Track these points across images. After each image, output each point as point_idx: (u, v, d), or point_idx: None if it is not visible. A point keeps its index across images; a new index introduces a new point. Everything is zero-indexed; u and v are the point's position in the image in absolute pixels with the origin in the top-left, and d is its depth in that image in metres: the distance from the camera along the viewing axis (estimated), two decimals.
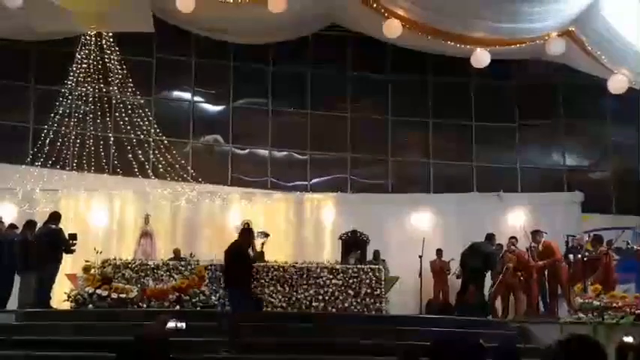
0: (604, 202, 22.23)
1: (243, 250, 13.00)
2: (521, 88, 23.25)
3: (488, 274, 17.18)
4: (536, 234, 17.19)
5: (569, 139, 23.89)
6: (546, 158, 24.16)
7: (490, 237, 17.40)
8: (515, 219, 20.96)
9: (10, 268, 15.75)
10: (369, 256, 19.00)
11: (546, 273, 17.09)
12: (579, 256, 16.29)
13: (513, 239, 17.47)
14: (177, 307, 14.96)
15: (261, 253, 13.13)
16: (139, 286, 15.64)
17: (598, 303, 14.08)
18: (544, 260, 16.74)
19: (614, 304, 13.94)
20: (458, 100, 23.78)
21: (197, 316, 14.05)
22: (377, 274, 16.38)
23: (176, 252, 18.71)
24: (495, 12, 17.37)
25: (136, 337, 5.87)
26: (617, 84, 18.46)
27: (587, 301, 14.41)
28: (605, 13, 17.04)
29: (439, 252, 19.76)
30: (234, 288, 12.88)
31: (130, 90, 20.63)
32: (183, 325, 11.12)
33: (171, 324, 10.59)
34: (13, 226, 16.82)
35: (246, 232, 13.55)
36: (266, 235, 17.17)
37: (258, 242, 13.01)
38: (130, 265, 16.31)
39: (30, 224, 16.31)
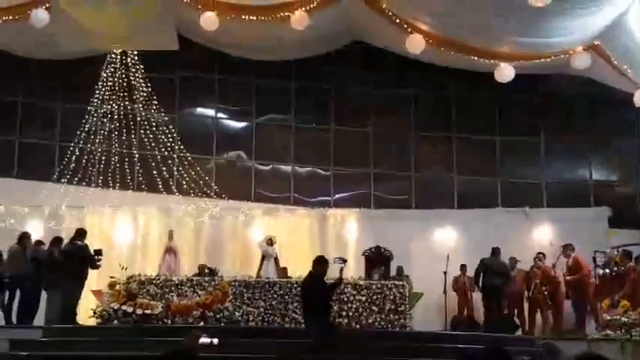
0: (631, 218, 21.99)
1: (317, 283, 12.66)
2: (546, 102, 23.10)
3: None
4: (566, 248, 17.07)
5: (595, 154, 23.69)
6: (572, 173, 23.95)
7: (497, 251, 17.78)
8: (540, 235, 20.83)
9: (38, 284, 15.85)
10: (393, 272, 18.95)
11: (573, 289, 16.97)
12: (607, 271, 16.14)
13: (540, 255, 17.38)
14: (202, 322, 14.97)
15: (340, 280, 12.88)
16: (163, 302, 15.68)
17: (626, 319, 13.93)
18: (572, 275, 16.62)
19: None
20: (482, 114, 23.68)
21: (226, 333, 14.01)
22: (401, 290, 16.36)
23: (201, 268, 18.72)
24: (520, 27, 17.31)
25: (165, 352, 5.89)
26: None
27: (615, 317, 14.26)
28: (631, 26, 16.93)
29: (463, 268, 19.64)
30: (313, 321, 12.58)
31: (154, 107, 20.80)
32: (216, 340, 11.17)
33: (204, 339, 10.63)
34: (39, 243, 16.92)
35: (317, 263, 13.12)
36: (344, 260, 17.11)
37: (336, 268, 12.89)
38: (154, 281, 16.39)
39: (56, 241, 16.40)
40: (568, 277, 16.70)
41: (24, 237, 16.52)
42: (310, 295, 12.48)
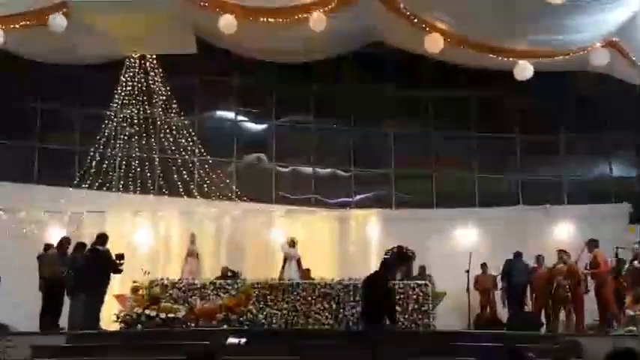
0: None
1: (383, 284, 12.62)
2: (565, 99, 23.00)
3: None
4: (590, 243, 16.98)
5: (615, 150, 23.63)
6: (593, 170, 23.90)
7: (519, 255, 18.23)
8: (561, 232, 20.78)
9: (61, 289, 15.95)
10: (415, 272, 18.92)
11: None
12: (635, 264, 16.04)
13: (562, 251, 17.32)
14: (225, 325, 15.00)
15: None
16: (186, 305, 15.72)
17: None
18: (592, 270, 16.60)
19: None
20: (501, 113, 23.64)
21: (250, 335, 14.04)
22: (424, 290, 16.33)
23: (223, 270, 18.75)
24: (538, 24, 17.24)
25: (188, 354, 5.92)
26: None
27: (637, 312, 14.18)
28: None
29: (484, 266, 19.62)
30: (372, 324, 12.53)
31: (174, 111, 20.84)
32: (244, 341, 11.24)
33: (232, 340, 10.71)
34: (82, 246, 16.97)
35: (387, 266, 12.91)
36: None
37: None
38: (177, 285, 16.44)
39: (79, 246, 16.48)
40: (585, 271, 16.65)
41: (64, 242, 16.58)
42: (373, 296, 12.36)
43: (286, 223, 21.56)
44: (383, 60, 22.82)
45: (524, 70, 18.11)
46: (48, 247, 17.15)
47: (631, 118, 22.71)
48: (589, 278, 16.88)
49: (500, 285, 19.02)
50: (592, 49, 18.10)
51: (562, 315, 17.19)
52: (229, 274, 18.27)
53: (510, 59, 18.40)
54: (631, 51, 17.99)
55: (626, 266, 16.45)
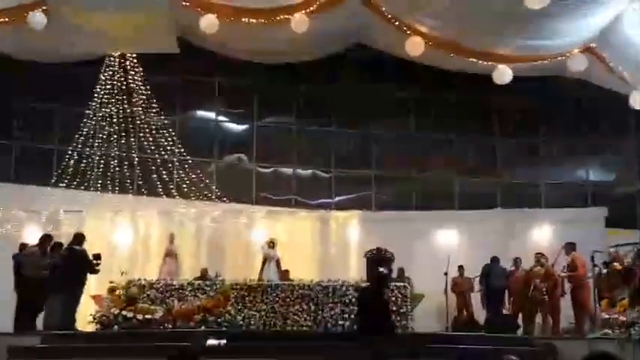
0: (629, 218, 22.06)
1: (380, 297, 12.58)
2: (544, 104, 23.16)
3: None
4: (567, 246, 17.05)
5: (593, 155, 23.82)
6: (570, 174, 24.12)
7: (495, 259, 18.26)
8: (539, 235, 20.87)
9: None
10: (394, 274, 18.94)
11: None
12: (605, 271, 16.15)
13: (539, 255, 17.39)
14: (203, 327, 14.96)
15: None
16: (164, 306, 15.66)
17: (624, 318, 13.92)
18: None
19: None
20: (482, 116, 23.76)
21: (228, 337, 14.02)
22: (402, 292, 16.33)
23: (203, 271, 18.70)
24: (518, 29, 17.33)
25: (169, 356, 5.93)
26: (639, 99, 18.34)
27: (613, 316, 14.27)
28: (627, 28, 16.95)
29: (461, 269, 19.69)
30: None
31: (154, 110, 20.78)
32: (224, 342, 11.22)
33: (211, 341, 10.70)
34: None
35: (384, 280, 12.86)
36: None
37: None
38: (154, 286, 16.36)
39: (56, 246, 16.35)
40: (562, 274, 16.73)
41: (46, 240, 16.40)
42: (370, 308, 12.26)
43: (267, 224, 21.54)
44: (365, 62, 22.86)
45: (503, 74, 18.21)
46: (24, 246, 16.98)
47: (608, 124, 22.93)
48: (566, 281, 16.95)
49: (477, 288, 19.11)
50: (570, 54, 18.21)
51: (538, 318, 17.26)
52: (209, 275, 18.18)
53: (490, 63, 18.49)
54: (609, 57, 18.10)
55: (604, 270, 16.56)
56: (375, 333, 12.03)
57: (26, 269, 15.90)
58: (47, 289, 15.45)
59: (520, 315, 17.69)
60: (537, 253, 17.44)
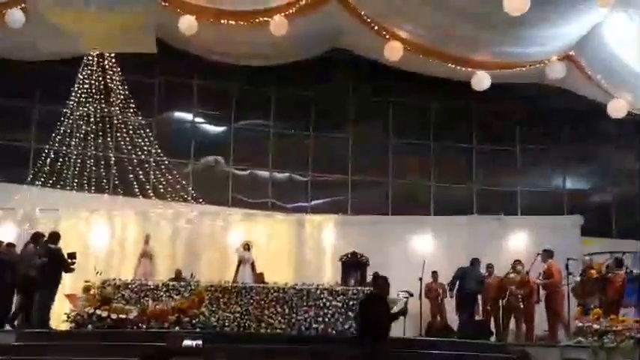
0: (604, 226, 22.25)
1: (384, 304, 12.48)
2: (522, 111, 23.33)
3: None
4: (544, 254, 17.12)
5: (569, 163, 24.00)
6: (547, 181, 24.28)
7: (476, 262, 17.92)
8: (515, 242, 20.94)
9: (10, 288, 15.69)
10: (369, 279, 18.94)
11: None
12: (579, 279, 16.26)
13: (517, 262, 17.47)
14: (177, 327, 14.90)
15: (406, 310, 12.65)
16: (138, 306, 15.60)
17: (597, 326, 14.03)
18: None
19: (614, 328, 13.88)
20: (459, 122, 23.88)
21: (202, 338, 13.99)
22: None
23: (177, 273, 18.64)
24: (498, 36, 17.44)
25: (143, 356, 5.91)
26: (617, 108, 18.51)
27: (586, 324, 14.37)
28: (605, 37, 17.12)
29: (434, 274, 19.70)
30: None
31: (131, 110, 20.72)
32: (200, 343, 11.17)
33: (187, 342, 10.65)
34: (11, 245, 16.73)
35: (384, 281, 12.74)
36: (410, 294, 17.04)
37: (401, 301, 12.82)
38: (129, 286, 16.29)
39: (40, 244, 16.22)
40: (538, 281, 16.81)
41: (40, 237, 16.20)
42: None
43: (242, 227, 21.46)
44: (343, 66, 22.91)
45: (482, 80, 18.33)
46: (10, 245, 16.84)
47: (586, 132, 23.11)
48: (540, 288, 17.04)
49: (447, 290, 19.01)
50: (549, 62, 18.35)
51: (511, 324, 17.35)
52: (183, 277, 18.13)
53: (469, 69, 18.59)
54: (587, 65, 18.26)
55: (577, 278, 16.66)
56: (375, 338, 11.91)
57: (21, 268, 15.73)
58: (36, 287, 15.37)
59: (492, 321, 17.81)
60: (515, 261, 17.52)
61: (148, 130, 21.20)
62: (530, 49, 17.87)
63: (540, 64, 18.51)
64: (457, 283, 18.04)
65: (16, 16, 17.55)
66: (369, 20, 18.33)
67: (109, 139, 21.11)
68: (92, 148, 20.82)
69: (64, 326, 15.50)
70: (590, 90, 19.18)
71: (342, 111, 23.96)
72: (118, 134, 20.94)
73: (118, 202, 20.91)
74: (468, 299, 17.91)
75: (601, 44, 17.34)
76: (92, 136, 20.71)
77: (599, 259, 17.66)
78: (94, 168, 20.63)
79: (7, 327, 15.26)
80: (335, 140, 24.07)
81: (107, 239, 20.72)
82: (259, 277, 18.48)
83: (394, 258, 20.54)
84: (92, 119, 20.55)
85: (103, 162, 20.81)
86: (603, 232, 21.96)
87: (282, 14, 17.75)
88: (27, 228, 19.12)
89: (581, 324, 14.64)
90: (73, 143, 20.39)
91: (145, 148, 21.09)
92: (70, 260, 15.60)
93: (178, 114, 24.00)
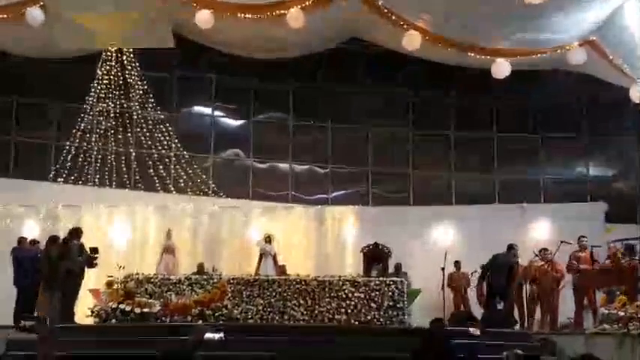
0: (628, 213, 22.07)
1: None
2: (544, 100, 23.14)
3: None
4: (579, 240, 17.01)
5: (592, 151, 23.82)
6: (570, 169, 24.11)
7: (511, 247, 17.11)
8: (537, 230, 20.85)
9: (33, 285, 15.74)
10: (391, 269, 18.92)
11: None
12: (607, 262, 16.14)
13: (544, 250, 17.36)
14: (200, 321, 14.93)
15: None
16: (161, 300, 15.64)
17: (623, 313, 13.90)
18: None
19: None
20: (480, 112, 23.76)
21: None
22: (399, 287, 16.31)
23: (200, 266, 18.67)
24: (517, 23, 17.29)
25: (161, 352, 5.89)
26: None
27: (612, 311, 14.25)
28: (626, 20, 16.92)
29: (457, 264, 19.65)
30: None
31: (151, 105, 20.78)
32: (223, 335, 11.20)
33: (209, 335, 10.68)
34: (34, 242, 16.81)
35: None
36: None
37: None
38: (152, 280, 16.34)
39: (53, 240, 16.28)
40: (570, 265, 16.69)
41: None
42: None
43: (263, 220, 21.49)
44: (362, 58, 22.86)
45: (502, 68, 18.14)
46: (22, 240, 16.91)
47: (608, 119, 22.92)
48: (566, 276, 16.95)
49: (474, 283, 18.77)
50: (570, 47, 18.16)
51: (537, 313, 17.26)
52: (206, 270, 18.16)
53: (488, 57, 18.44)
54: (609, 50, 18.06)
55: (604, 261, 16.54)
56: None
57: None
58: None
59: (517, 310, 17.70)
60: (542, 249, 17.42)
61: (167, 125, 21.25)
62: (551, 36, 17.67)
63: (561, 50, 18.32)
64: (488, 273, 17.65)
65: (35, 13, 17.58)
66: (385, 10, 18.22)
67: (129, 134, 21.25)
68: (112, 143, 20.91)
69: (88, 321, 15.55)
70: (613, 75, 18.95)
71: (361, 102, 23.89)
72: (138, 129, 21.07)
73: (138, 197, 20.98)
74: (498, 287, 17.38)
75: (622, 28, 17.13)
76: (112, 131, 20.82)
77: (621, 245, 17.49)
78: (114, 164, 20.74)
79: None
80: (354, 131, 24.02)
81: (129, 234, 20.81)
82: (281, 270, 18.49)
83: (416, 249, 20.57)
84: (112, 115, 20.63)
85: (123, 157, 20.95)
86: (627, 218, 21.75)
87: (299, 6, 17.68)
88: (49, 225, 19.27)
89: (606, 311, 14.51)
90: (94, 139, 20.52)
91: (165, 142, 21.18)
92: (92, 255, 15.67)
93: (197, 108, 24.05)
